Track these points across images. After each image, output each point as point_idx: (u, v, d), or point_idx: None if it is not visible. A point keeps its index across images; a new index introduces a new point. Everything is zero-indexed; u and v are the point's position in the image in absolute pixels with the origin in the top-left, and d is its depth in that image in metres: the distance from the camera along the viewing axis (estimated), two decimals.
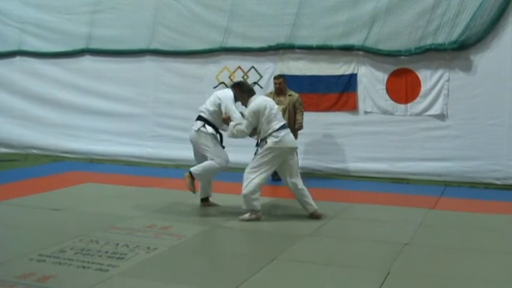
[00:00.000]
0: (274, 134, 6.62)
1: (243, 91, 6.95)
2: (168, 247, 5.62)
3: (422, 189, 8.70)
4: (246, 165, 9.74)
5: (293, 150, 6.80)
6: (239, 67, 10.24)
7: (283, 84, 9.05)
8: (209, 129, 7.01)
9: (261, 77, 10.10)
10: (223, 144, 7.19)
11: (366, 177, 9.49)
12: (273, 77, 9.40)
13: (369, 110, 9.58)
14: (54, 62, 11.51)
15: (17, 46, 11.77)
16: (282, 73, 9.49)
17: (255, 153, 6.93)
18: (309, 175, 9.55)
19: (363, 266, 5.18)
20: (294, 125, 8.90)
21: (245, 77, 10.18)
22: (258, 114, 6.66)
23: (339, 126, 9.74)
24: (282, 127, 6.71)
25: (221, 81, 10.34)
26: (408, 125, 9.36)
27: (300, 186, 6.77)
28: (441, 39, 9.00)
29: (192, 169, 6.93)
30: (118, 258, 5.23)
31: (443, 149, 9.16)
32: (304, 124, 9.02)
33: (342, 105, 9.70)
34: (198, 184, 7.15)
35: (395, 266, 5.14)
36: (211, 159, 6.94)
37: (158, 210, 7.18)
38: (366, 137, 9.58)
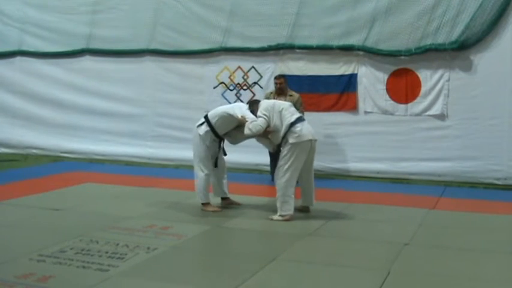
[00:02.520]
0: (292, 129, 6.67)
1: (253, 104, 7.08)
2: (168, 247, 5.63)
3: (422, 189, 8.69)
4: (247, 165, 9.83)
5: (313, 142, 6.84)
6: (239, 67, 10.23)
7: (284, 84, 9.04)
8: (202, 129, 7.04)
9: (261, 77, 10.10)
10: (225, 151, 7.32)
11: (366, 177, 9.48)
12: (273, 77, 9.39)
13: (369, 110, 9.58)
14: (54, 62, 11.50)
15: (17, 46, 11.76)
16: (282, 73, 9.48)
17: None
18: None
19: (363, 266, 5.18)
20: None
21: (245, 77, 10.18)
22: (269, 110, 6.75)
23: (339, 126, 9.73)
24: (298, 120, 6.77)
25: (221, 81, 10.34)
26: (408, 125, 9.35)
27: (311, 182, 7.00)
28: (441, 39, 8.99)
29: (198, 199, 7.18)
30: (118, 258, 5.24)
31: (443, 149, 9.15)
32: None
33: (342, 105, 9.70)
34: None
35: (395, 266, 5.14)
36: (195, 171, 7.15)
37: (158, 210, 7.19)
38: (366, 137, 9.57)
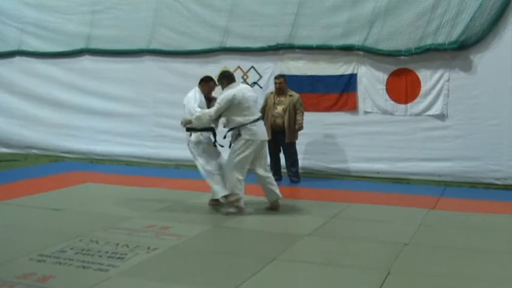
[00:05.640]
0: (248, 126, 6.85)
1: (222, 77, 7.17)
2: (168, 247, 5.63)
3: (422, 189, 8.69)
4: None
5: (264, 143, 7.09)
6: (239, 67, 10.22)
7: (283, 84, 9.05)
8: (193, 137, 7.21)
9: (261, 77, 10.09)
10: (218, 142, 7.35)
11: (366, 177, 9.48)
12: (273, 77, 9.40)
13: (369, 110, 9.58)
14: (53, 62, 11.51)
15: (16, 46, 11.77)
16: (281, 73, 9.48)
17: (229, 146, 7.08)
18: (309, 175, 9.56)
19: (363, 266, 5.18)
20: (294, 125, 8.91)
21: (245, 77, 10.18)
22: (230, 102, 6.86)
23: (339, 126, 9.73)
24: (256, 120, 6.95)
25: None
26: (408, 125, 9.35)
27: (267, 175, 7.09)
28: (441, 39, 8.99)
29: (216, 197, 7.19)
30: (118, 258, 5.24)
31: (443, 149, 9.15)
32: (304, 124, 9.01)
33: (342, 105, 9.69)
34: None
35: (395, 266, 5.14)
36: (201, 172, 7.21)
37: (158, 210, 7.19)
38: (366, 137, 9.57)
